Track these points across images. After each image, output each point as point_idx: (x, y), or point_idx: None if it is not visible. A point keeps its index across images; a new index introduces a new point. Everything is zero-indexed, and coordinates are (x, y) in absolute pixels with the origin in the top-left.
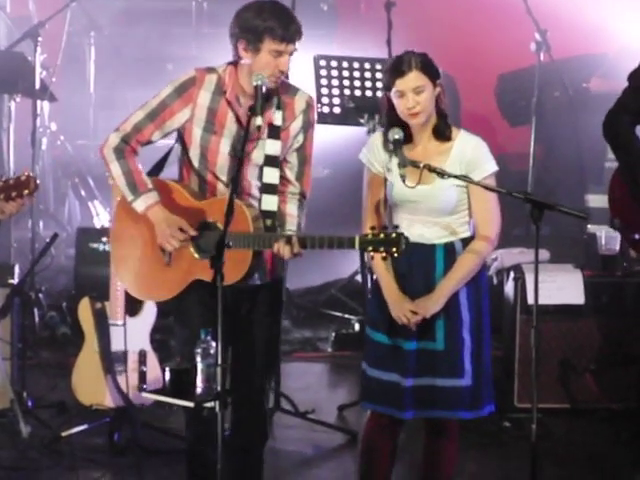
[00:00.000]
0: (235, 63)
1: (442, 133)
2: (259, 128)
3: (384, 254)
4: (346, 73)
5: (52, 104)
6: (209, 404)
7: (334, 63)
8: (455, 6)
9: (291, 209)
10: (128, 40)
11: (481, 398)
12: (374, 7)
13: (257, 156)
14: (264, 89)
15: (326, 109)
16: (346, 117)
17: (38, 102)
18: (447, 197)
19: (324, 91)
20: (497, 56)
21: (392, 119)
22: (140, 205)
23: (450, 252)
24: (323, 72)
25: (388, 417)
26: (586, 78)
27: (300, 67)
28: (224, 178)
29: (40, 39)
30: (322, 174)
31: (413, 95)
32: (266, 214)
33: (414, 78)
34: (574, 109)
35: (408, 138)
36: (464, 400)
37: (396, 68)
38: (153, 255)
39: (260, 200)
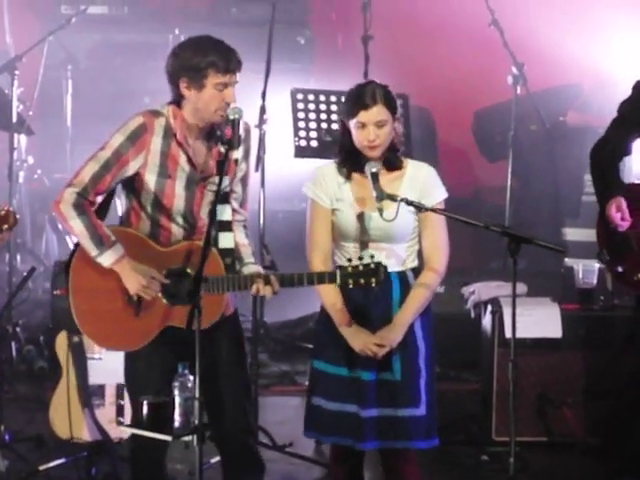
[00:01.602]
0: (176, 103)
1: (392, 164)
2: (236, 161)
3: (364, 286)
4: (323, 107)
5: (29, 138)
6: (186, 437)
7: (311, 97)
8: (432, 40)
9: (241, 238)
10: (105, 73)
11: (433, 428)
12: (351, 40)
13: (208, 194)
14: (241, 122)
15: (303, 142)
16: (323, 150)
17: (15, 136)
18: (406, 223)
19: (301, 124)
20: (474, 89)
21: (347, 147)
22: (106, 260)
23: (404, 281)
24: (300, 105)
25: (346, 449)
26: (563, 111)
27: (277, 100)
28: (180, 220)
29: (17, 72)
30: (299, 207)
31: (375, 128)
32: (224, 252)
33: (378, 112)
34: (551, 142)
35: (359, 167)
36: (420, 430)
37: (360, 99)
38: (120, 306)
39: (216, 238)
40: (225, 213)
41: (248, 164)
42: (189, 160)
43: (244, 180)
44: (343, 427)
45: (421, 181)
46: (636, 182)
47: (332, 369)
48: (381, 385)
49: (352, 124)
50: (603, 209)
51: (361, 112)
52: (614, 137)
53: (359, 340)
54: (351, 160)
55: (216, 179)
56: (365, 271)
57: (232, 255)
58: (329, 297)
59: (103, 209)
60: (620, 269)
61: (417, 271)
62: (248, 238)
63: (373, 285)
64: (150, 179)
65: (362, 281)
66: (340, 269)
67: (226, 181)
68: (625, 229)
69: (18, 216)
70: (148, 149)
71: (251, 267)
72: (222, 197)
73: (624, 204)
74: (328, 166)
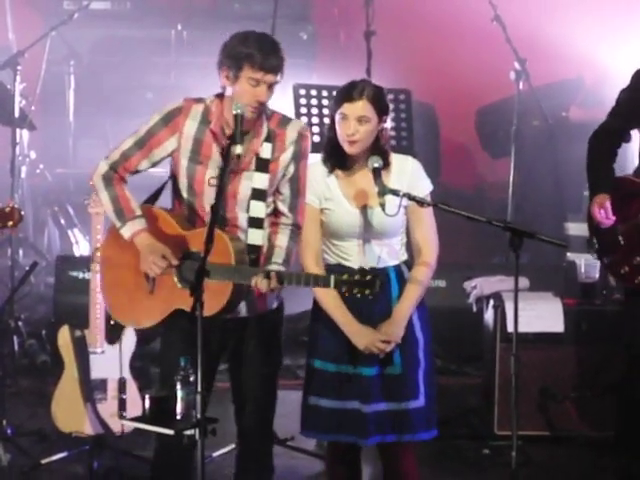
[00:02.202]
0: (221, 95)
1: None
2: (239, 157)
3: (358, 295)
4: (325, 102)
5: (31, 133)
6: (189, 432)
7: (313, 92)
8: (435, 35)
9: (281, 240)
10: (107, 69)
11: (432, 418)
12: (354, 36)
13: (244, 188)
14: (243, 119)
15: None
16: None
17: (17, 131)
18: (398, 218)
19: (303, 120)
20: (477, 85)
21: (332, 142)
22: (127, 231)
23: (400, 275)
24: (303, 101)
25: (345, 446)
26: (565, 106)
27: (279, 96)
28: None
29: (20, 68)
30: None
31: (355, 123)
32: (251, 248)
33: (361, 107)
34: (553, 138)
35: (344, 165)
36: (421, 421)
37: (347, 92)
38: (138, 282)
39: (246, 233)
40: (258, 210)
41: (299, 168)
42: (222, 152)
43: (293, 183)
44: (344, 425)
45: (408, 174)
46: (626, 175)
47: (331, 367)
48: (382, 379)
49: (337, 116)
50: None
51: (345, 104)
52: (612, 125)
53: (363, 338)
54: (335, 156)
55: (254, 175)
56: (360, 281)
57: (258, 252)
58: (327, 295)
59: (154, 197)
60: (607, 260)
61: (408, 263)
62: (290, 242)
63: (368, 296)
64: (183, 164)
65: (356, 290)
66: (336, 275)
67: (264, 179)
68: (608, 226)
69: (23, 213)
70: (181, 132)
71: (273, 267)
72: (257, 194)
73: (607, 202)
74: (315, 165)
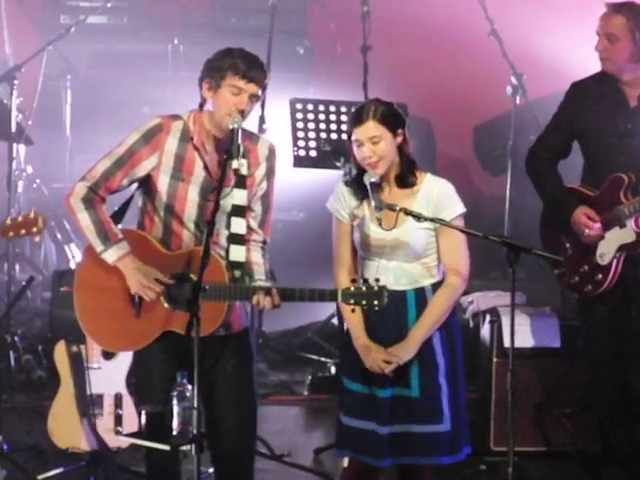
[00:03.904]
0: (200, 109)
1: (404, 181)
2: (236, 171)
3: (365, 307)
4: (322, 116)
5: (28, 147)
6: (184, 447)
7: (310, 106)
8: (431, 50)
9: (256, 257)
10: (104, 83)
11: (460, 442)
12: (350, 50)
13: (225, 204)
14: (240, 132)
15: (302, 152)
16: (322, 160)
17: (14, 145)
18: (417, 239)
19: (300, 134)
20: (474, 99)
21: (357, 169)
22: (111, 256)
23: (421, 297)
24: (299, 115)
25: (365, 464)
26: None
27: (276, 110)
28: (191, 226)
29: (16, 82)
30: (297, 217)
31: (369, 145)
32: (234, 265)
33: (370, 128)
34: None
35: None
36: (444, 445)
37: (355, 117)
38: (122, 306)
39: (228, 250)
40: (238, 226)
41: (270, 185)
42: (205, 167)
43: (264, 200)
44: (360, 443)
45: (435, 197)
46: (574, 186)
47: (352, 385)
48: (398, 402)
49: (353, 143)
50: (548, 215)
51: (355, 129)
52: (550, 141)
53: (369, 356)
54: (362, 182)
55: (233, 191)
56: (368, 293)
57: (242, 268)
58: (348, 309)
59: (120, 213)
60: (557, 272)
61: (438, 285)
62: (264, 258)
63: (376, 308)
64: (163, 180)
65: (364, 302)
66: (343, 289)
67: (243, 196)
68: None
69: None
70: (162, 149)
71: (260, 284)
72: (238, 210)
73: (590, 211)
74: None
